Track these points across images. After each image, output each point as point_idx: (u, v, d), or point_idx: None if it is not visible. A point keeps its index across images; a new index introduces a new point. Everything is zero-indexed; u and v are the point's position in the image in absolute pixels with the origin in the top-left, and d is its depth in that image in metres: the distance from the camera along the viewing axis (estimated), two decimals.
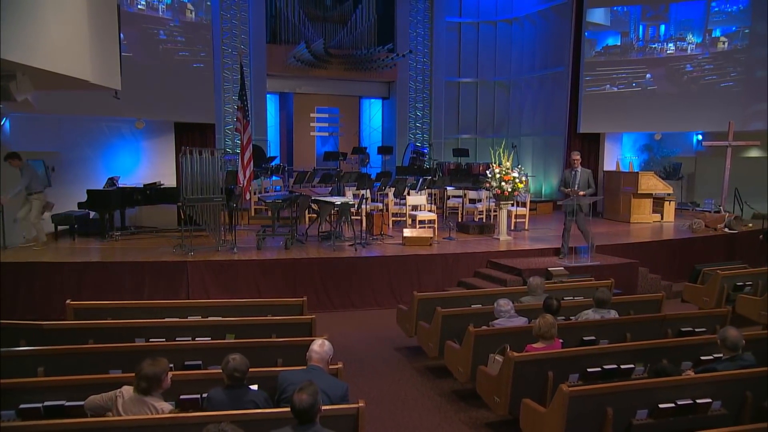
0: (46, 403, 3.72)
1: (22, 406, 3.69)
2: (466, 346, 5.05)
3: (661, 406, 3.81)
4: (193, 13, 11.05)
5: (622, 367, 4.54)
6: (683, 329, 5.48)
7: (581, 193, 8.40)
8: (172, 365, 4.44)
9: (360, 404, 3.50)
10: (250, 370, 3.87)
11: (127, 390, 3.45)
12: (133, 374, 3.71)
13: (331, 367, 3.98)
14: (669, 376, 4.13)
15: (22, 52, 3.88)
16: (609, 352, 4.67)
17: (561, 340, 4.90)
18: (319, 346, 3.73)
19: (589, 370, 4.47)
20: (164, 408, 3.39)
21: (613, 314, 5.40)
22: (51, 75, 4.41)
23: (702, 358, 4.68)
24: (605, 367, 4.51)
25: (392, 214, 11.44)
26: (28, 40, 3.98)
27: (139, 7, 10.25)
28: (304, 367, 3.73)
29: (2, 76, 4.13)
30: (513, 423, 4.42)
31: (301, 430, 3.02)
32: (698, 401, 3.87)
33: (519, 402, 4.24)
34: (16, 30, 3.81)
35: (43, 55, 4.16)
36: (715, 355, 4.57)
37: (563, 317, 5.65)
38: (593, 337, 5.22)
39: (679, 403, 3.84)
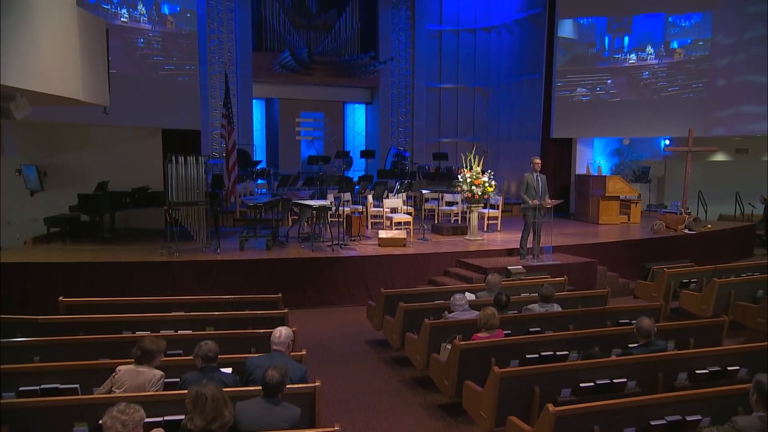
0: (43, 386, 4.21)
1: (21, 388, 4.18)
2: (422, 336, 5.59)
3: (581, 385, 4.37)
4: (173, 24, 11.53)
5: (558, 353, 5.10)
6: (621, 321, 6.05)
7: (550, 202, 8.94)
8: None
9: (317, 384, 4.03)
10: (226, 356, 4.42)
11: (123, 367, 4.00)
12: (120, 360, 4.25)
13: (294, 353, 4.52)
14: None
15: (20, 77, 4.39)
16: (547, 340, 5.23)
17: (508, 331, 5.48)
18: (281, 333, 4.27)
19: (527, 356, 5.02)
20: (155, 374, 3.94)
21: (556, 308, 5.96)
22: (46, 95, 4.93)
23: (630, 345, 5.22)
24: (542, 353, 5.06)
25: (371, 216, 11.96)
26: (24, 66, 4.48)
27: (122, 19, 10.71)
28: (269, 353, 4.26)
29: (2, 97, 4.64)
30: (460, 405, 4.95)
31: (269, 402, 3.55)
32: (615, 381, 4.42)
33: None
34: (15, 57, 4.32)
35: (38, 78, 4.67)
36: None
37: (516, 311, 6.21)
38: (539, 328, 5.79)
39: (598, 382, 4.39)
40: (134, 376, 3.92)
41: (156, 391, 3.92)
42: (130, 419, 2.87)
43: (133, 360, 4.05)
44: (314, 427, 3.88)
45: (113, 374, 4.00)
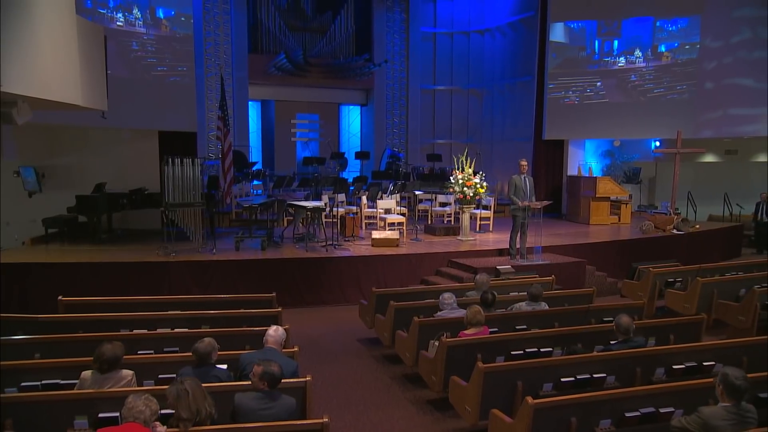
0: (44, 381, 4.36)
1: (23, 383, 4.33)
2: (411, 334, 5.77)
3: (563, 380, 4.54)
4: (168, 28, 11.67)
5: (542, 350, 5.27)
6: (605, 319, 6.23)
7: (538, 204, 9.13)
8: (152, 351, 5.15)
9: (307, 378, 4.20)
10: (222, 353, 4.57)
11: (86, 373, 4.05)
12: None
13: (287, 350, 4.69)
14: None
15: (21, 84, 4.56)
16: (532, 337, 5.40)
17: (495, 329, 5.66)
18: (274, 331, 4.44)
19: (513, 352, 5.20)
20: (125, 374, 4.05)
21: (543, 306, 6.14)
22: (46, 101, 5.09)
23: (612, 342, 5.41)
24: (527, 350, 5.23)
25: (365, 216, 12.13)
26: (26, 73, 4.64)
27: (118, 23, 10.85)
28: (262, 349, 4.43)
29: (4, 103, 4.80)
30: (448, 400, 5.13)
31: (267, 393, 3.72)
32: (595, 376, 4.60)
33: None
34: (16, 65, 4.48)
35: (39, 85, 4.84)
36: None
37: (503, 309, 6.38)
38: (525, 326, 5.97)
39: (578, 377, 4.57)
40: (102, 384, 3.97)
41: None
42: (156, 409, 3.24)
43: (92, 367, 4.06)
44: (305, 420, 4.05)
45: (79, 381, 4.07)
